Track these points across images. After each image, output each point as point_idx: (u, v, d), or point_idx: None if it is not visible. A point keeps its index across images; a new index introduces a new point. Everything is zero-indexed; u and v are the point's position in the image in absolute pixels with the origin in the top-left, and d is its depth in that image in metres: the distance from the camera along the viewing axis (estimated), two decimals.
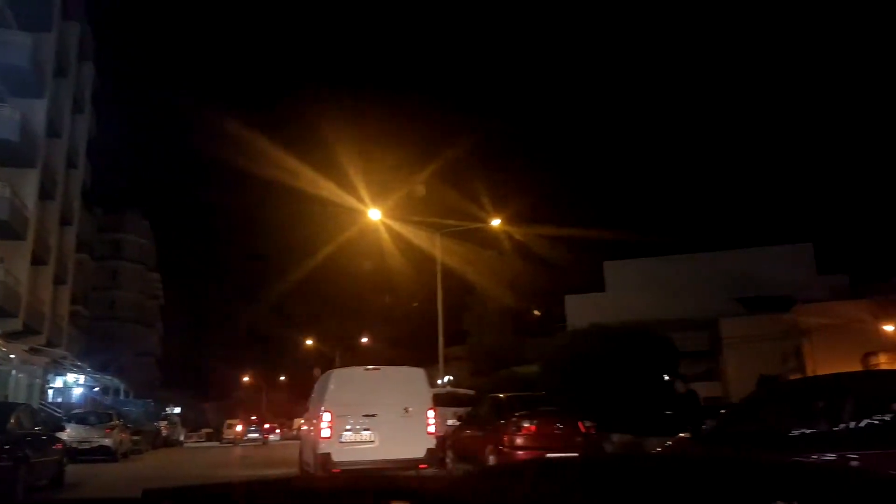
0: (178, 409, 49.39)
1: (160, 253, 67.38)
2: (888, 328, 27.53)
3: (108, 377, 34.78)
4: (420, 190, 25.88)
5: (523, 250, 33.45)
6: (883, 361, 24.80)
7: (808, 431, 4.78)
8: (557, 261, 40.44)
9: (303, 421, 14.85)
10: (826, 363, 30.48)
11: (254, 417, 62.40)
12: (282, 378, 79.51)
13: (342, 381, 11.31)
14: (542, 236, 32.77)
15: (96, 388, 35.86)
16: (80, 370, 31.42)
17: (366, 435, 10.69)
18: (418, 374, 11.90)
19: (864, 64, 60.30)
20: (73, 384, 34.49)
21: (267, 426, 55.52)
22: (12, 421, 10.28)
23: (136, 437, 23.41)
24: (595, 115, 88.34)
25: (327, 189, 28.31)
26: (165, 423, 32.74)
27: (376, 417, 10.78)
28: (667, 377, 18.10)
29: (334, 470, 10.35)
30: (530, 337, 48.72)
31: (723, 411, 6.06)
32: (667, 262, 46.13)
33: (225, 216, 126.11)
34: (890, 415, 4.30)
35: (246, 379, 79.33)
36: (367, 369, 11.64)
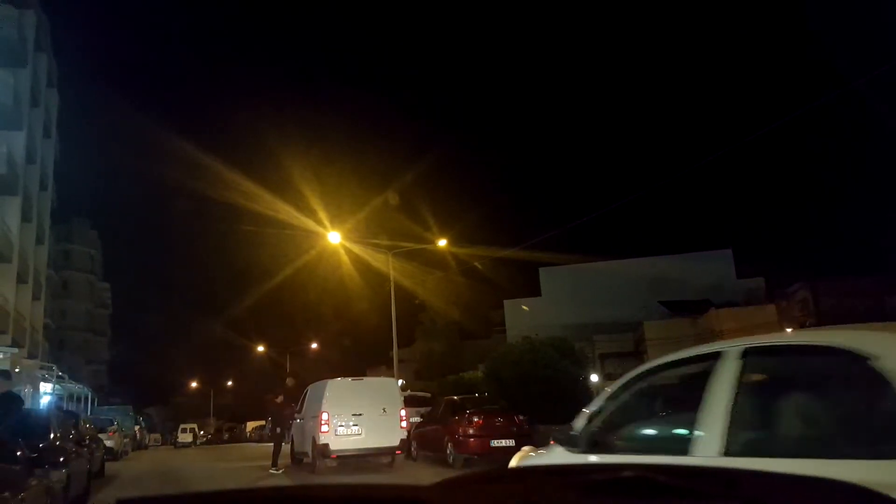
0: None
1: (110, 264, 68.76)
2: (789, 331, 31.85)
3: (79, 386, 36.87)
4: (393, 198, 30.82)
5: (465, 266, 37.17)
6: None
7: None
8: (495, 275, 44.32)
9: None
10: None
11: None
12: (229, 383, 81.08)
13: (335, 388, 14.67)
14: (481, 255, 36.50)
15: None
16: (59, 380, 33.54)
17: (355, 429, 14.09)
18: (392, 382, 15.48)
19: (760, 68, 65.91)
20: (42, 393, 36.35)
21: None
22: (80, 425, 13.25)
23: (125, 440, 26.20)
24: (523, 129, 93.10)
25: (285, 212, 31.28)
26: (138, 427, 35.32)
27: (362, 416, 14.19)
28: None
29: (332, 455, 13.79)
30: (470, 340, 52.72)
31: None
32: (596, 267, 48.15)
33: (181, 234, 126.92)
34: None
35: (194, 385, 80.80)
36: (354, 379, 15.11)
